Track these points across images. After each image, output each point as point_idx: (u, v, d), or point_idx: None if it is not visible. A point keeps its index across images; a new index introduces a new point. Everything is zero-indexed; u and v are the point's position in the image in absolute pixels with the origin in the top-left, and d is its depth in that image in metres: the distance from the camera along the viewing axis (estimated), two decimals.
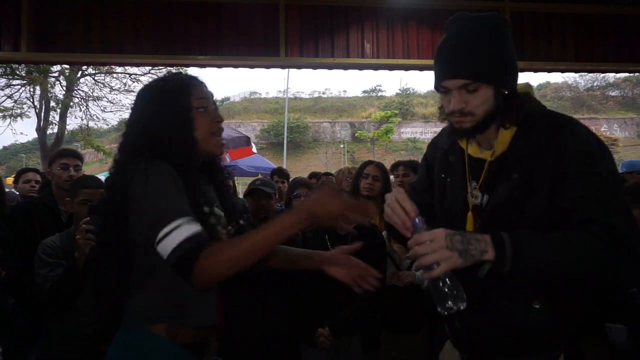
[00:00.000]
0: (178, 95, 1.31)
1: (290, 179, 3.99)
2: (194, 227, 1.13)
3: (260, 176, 5.98)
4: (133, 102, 1.38)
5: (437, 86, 1.28)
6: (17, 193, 3.92)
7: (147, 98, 1.34)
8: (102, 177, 3.18)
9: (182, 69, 14.12)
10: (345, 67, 4.92)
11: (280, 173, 4.58)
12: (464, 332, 1.31)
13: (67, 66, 14.02)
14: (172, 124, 1.28)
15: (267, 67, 4.89)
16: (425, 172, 1.52)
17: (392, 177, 3.35)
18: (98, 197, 2.11)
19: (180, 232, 1.11)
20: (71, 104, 15.91)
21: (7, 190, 3.61)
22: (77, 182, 2.28)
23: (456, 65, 1.21)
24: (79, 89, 16.09)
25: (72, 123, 20.80)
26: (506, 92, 1.22)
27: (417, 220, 1.14)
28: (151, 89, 1.36)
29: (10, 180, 8.76)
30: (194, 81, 1.36)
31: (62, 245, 2.14)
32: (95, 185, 2.21)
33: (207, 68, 5.17)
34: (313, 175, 4.82)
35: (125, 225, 1.22)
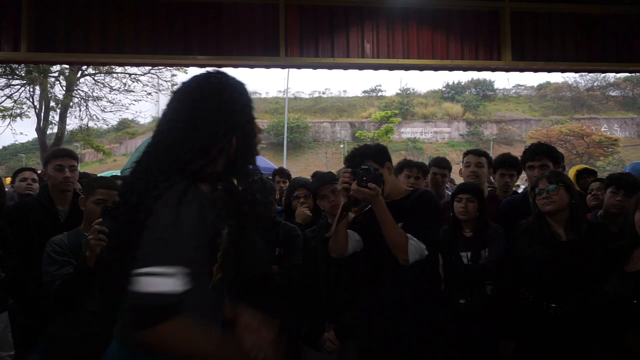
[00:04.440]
0: (241, 104, 1.22)
1: (291, 179, 3.99)
2: (180, 286, 1.05)
3: None
4: (175, 100, 1.24)
5: None
6: (14, 192, 3.92)
7: (202, 101, 1.20)
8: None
9: (181, 69, 14.14)
10: (345, 67, 4.92)
11: (282, 173, 4.58)
12: None
13: (67, 66, 14.01)
14: (234, 132, 1.19)
15: (267, 67, 4.89)
16: None
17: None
18: (113, 198, 2.13)
19: (166, 282, 1.03)
20: (71, 104, 15.89)
21: (6, 189, 3.61)
22: (94, 181, 2.31)
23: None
24: (78, 89, 16.07)
25: (72, 123, 20.73)
26: None
27: None
28: (204, 89, 1.22)
29: (9, 180, 8.76)
30: (248, 89, 1.28)
31: (70, 244, 2.14)
32: (112, 186, 2.22)
33: (207, 68, 5.15)
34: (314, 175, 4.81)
35: (135, 241, 1.12)
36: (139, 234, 1.08)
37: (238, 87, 1.26)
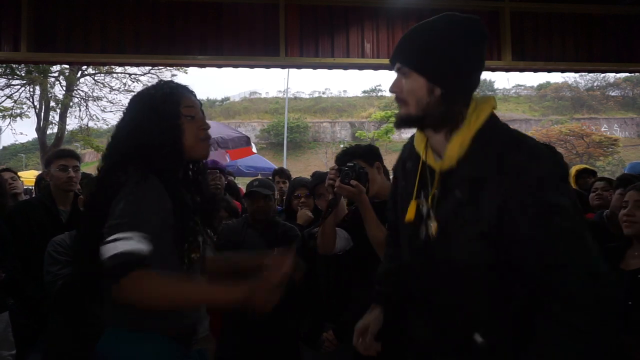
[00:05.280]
0: (168, 103, 1.37)
1: (291, 179, 3.99)
2: (142, 245, 1.16)
3: (259, 176, 5.98)
4: (125, 108, 1.45)
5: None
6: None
7: (139, 104, 1.40)
8: None
9: (181, 69, 14.13)
10: (345, 67, 4.92)
11: (282, 173, 4.58)
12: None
13: (67, 66, 14.01)
14: (161, 129, 1.33)
15: (267, 67, 4.89)
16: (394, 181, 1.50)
17: None
18: None
19: (128, 243, 1.14)
20: (71, 104, 15.91)
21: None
22: (92, 181, 2.31)
23: (397, 48, 1.21)
24: (78, 89, 16.09)
25: (72, 123, 20.76)
26: (443, 92, 1.14)
27: None
28: (143, 96, 1.42)
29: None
30: (184, 90, 1.44)
31: (72, 244, 2.13)
32: None
33: (207, 68, 5.17)
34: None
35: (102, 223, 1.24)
36: (105, 215, 1.22)
37: (175, 103, 1.40)
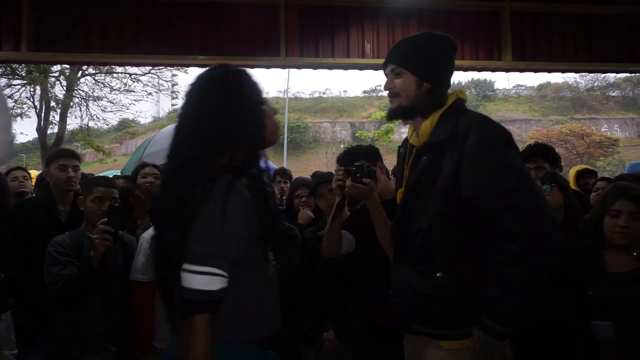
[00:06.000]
0: (249, 85, 1.28)
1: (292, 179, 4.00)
2: (219, 284, 1.14)
3: None
4: (187, 98, 1.29)
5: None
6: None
7: (210, 89, 1.26)
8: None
9: (182, 69, 14.14)
10: (346, 67, 4.92)
11: (283, 173, 4.59)
12: (394, 305, 1.55)
13: (67, 66, 14.01)
14: (247, 118, 1.24)
15: (268, 67, 4.90)
16: None
17: None
18: (111, 195, 2.17)
19: (207, 280, 1.13)
20: (71, 103, 15.90)
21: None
22: (92, 180, 2.34)
23: (391, 53, 1.57)
24: (79, 89, 16.07)
25: (72, 123, 20.79)
26: (429, 87, 1.49)
27: None
28: (213, 79, 1.28)
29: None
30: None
31: (72, 244, 2.14)
32: (109, 184, 2.24)
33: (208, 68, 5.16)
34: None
35: (182, 239, 1.17)
36: (185, 232, 1.16)
37: (253, 83, 1.31)
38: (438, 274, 1.40)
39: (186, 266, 1.14)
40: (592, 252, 1.98)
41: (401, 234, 1.55)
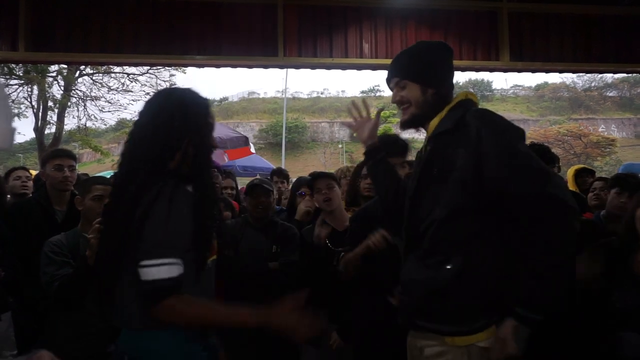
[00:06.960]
0: (198, 102, 1.44)
1: (291, 179, 4.01)
2: (176, 271, 1.27)
3: (257, 177, 5.98)
4: (144, 110, 1.46)
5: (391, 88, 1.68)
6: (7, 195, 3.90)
7: (166, 103, 1.43)
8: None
9: (180, 69, 14.10)
10: (344, 67, 4.92)
11: (280, 174, 4.58)
12: (403, 303, 1.57)
13: (65, 66, 13.97)
14: (197, 131, 1.41)
15: (266, 67, 4.89)
16: None
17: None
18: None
19: (165, 269, 1.25)
20: (69, 103, 15.85)
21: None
22: (89, 179, 2.35)
23: (392, 68, 1.65)
24: (76, 89, 16.03)
25: (70, 123, 20.69)
26: (434, 91, 1.57)
27: None
28: (169, 96, 1.46)
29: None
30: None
31: (68, 244, 2.13)
32: (108, 182, 2.22)
33: (206, 68, 5.16)
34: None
35: (133, 236, 1.29)
36: (137, 230, 1.28)
37: (196, 99, 1.47)
38: (448, 267, 1.41)
39: (143, 262, 1.26)
40: (624, 254, 1.93)
41: (412, 227, 1.55)
